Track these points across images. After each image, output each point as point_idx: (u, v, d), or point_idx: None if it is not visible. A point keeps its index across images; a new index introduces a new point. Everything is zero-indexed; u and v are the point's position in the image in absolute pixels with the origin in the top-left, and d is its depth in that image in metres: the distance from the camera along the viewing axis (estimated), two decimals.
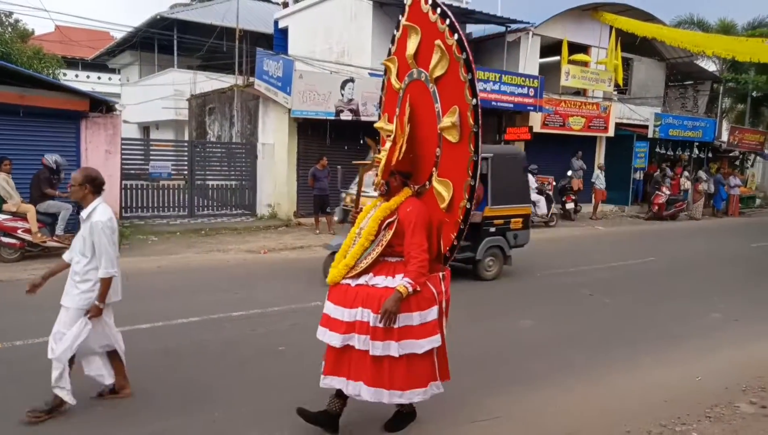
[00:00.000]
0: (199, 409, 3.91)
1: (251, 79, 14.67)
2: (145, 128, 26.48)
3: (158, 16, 20.85)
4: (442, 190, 3.39)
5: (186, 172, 12.93)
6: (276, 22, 20.18)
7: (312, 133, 13.24)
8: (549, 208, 14.53)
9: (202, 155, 13.57)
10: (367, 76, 14.14)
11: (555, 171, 16.65)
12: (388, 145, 3.49)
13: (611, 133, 18.53)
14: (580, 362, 5.06)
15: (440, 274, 3.43)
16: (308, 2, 18.12)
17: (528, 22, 16.42)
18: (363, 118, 12.94)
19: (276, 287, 7.59)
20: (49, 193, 8.75)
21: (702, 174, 19.23)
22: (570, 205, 16.12)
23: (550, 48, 17.52)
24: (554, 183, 16.09)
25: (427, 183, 3.59)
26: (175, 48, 21.64)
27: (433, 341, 3.28)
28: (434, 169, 3.50)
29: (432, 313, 3.28)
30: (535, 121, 16.45)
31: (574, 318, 6.60)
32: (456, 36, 3.22)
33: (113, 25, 46.93)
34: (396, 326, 3.18)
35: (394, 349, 3.18)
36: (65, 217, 8.79)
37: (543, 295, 7.59)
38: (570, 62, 16.79)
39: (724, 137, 21.88)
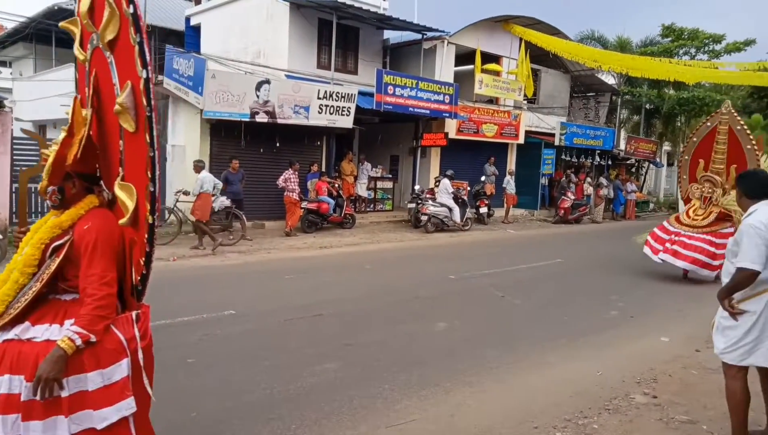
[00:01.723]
0: None
1: (160, 77, 13.99)
2: (42, 127, 24.51)
3: (56, 7, 19.39)
4: (125, 197, 2.47)
5: None
6: (188, 19, 19.41)
7: (226, 135, 12.83)
8: (463, 214, 14.96)
9: None
10: (283, 78, 13.92)
11: (469, 176, 17.23)
12: (61, 136, 2.57)
13: (521, 140, 19.42)
14: (492, 362, 5.21)
15: (133, 313, 2.56)
16: (222, 0, 17.58)
17: (443, 31, 16.86)
18: (280, 121, 12.71)
19: (186, 296, 7.25)
20: None
21: (603, 180, 20.59)
22: (483, 210, 16.69)
23: (465, 57, 18.10)
24: (469, 188, 16.62)
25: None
26: None
27: (122, 408, 2.38)
28: (120, 168, 2.56)
29: (120, 370, 2.40)
30: (451, 127, 16.92)
31: (487, 319, 6.80)
32: None
33: (2, 13, 43.12)
34: (64, 395, 2.26)
35: (64, 427, 2.26)
36: None
37: (457, 298, 7.77)
38: (483, 71, 17.42)
39: (622, 146, 23.58)
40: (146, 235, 2.42)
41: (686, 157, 9.77)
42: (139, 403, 2.48)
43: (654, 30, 37.18)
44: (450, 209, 14.54)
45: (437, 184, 16.38)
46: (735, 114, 9.21)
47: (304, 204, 12.85)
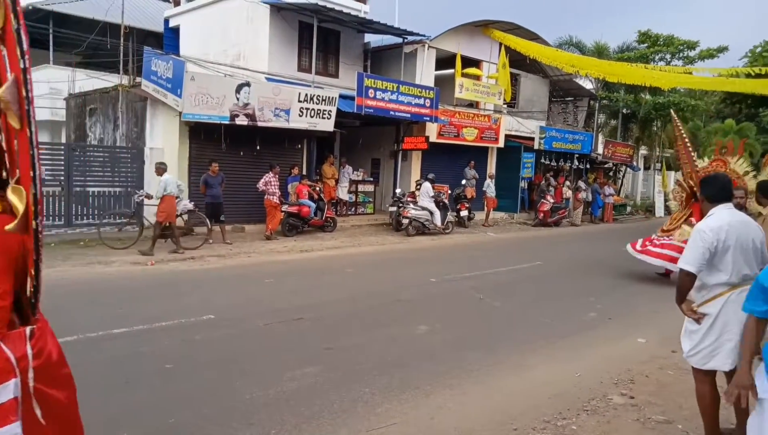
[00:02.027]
0: None
1: (138, 79, 13.83)
2: None
3: (30, 7, 19.05)
4: (17, 201, 2.27)
5: (63, 178, 11.88)
6: (166, 21, 19.23)
7: (205, 138, 12.70)
8: (444, 217, 15.02)
9: (81, 159, 12.54)
10: (264, 81, 13.85)
11: (450, 180, 17.31)
12: None
13: (501, 144, 19.57)
14: (472, 364, 5.23)
15: (27, 329, 2.30)
16: (202, 2, 17.45)
17: (424, 35, 16.93)
18: (260, 123, 12.63)
19: (164, 301, 7.16)
20: None
21: (581, 183, 20.85)
22: (464, 213, 16.78)
23: (445, 61, 18.20)
24: (449, 191, 16.69)
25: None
26: (51, 43, 19.87)
27: (6, 432, 2.13)
28: (17, 170, 2.37)
29: (6, 392, 2.15)
30: (432, 131, 16.99)
31: (468, 322, 6.83)
32: None
33: None
34: None
35: None
36: None
37: (438, 301, 7.79)
38: (463, 75, 17.53)
39: (600, 150, 23.93)
40: (33, 243, 2.19)
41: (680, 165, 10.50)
42: (27, 430, 2.19)
43: (631, 36, 37.79)
44: (431, 213, 14.60)
45: (418, 187, 16.42)
46: (677, 121, 9.99)
47: (284, 207, 12.79)
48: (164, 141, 12.70)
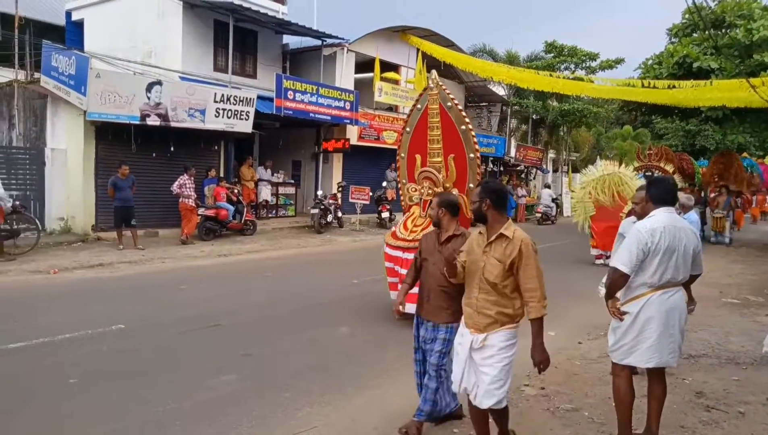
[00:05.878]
0: None
1: (36, 75, 12.87)
2: None
3: None
4: None
5: None
6: (68, 14, 18.03)
7: (114, 139, 12.01)
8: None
9: None
10: (177, 80, 13.33)
11: (371, 182, 17.43)
12: None
13: None
14: (392, 364, 5.30)
15: None
16: None
17: (343, 38, 16.97)
18: (173, 124, 12.13)
19: (69, 311, 6.71)
20: None
21: None
22: (385, 214, 16.99)
23: (364, 64, 18.33)
24: (371, 193, 16.82)
25: None
26: None
27: None
28: None
29: None
30: (352, 133, 17.06)
31: (388, 321, 6.87)
32: None
33: None
34: None
35: None
36: None
37: (360, 302, 7.81)
38: (382, 79, 17.73)
39: (512, 153, 24.99)
40: None
41: (402, 156, 7.09)
42: None
43: (539, 46, 39.81)
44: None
45: (340, 189, 16.47)
46: (444, 87, 6.56)
47: (201, 210, 12.35)
48: (68, 141, 11.90)
